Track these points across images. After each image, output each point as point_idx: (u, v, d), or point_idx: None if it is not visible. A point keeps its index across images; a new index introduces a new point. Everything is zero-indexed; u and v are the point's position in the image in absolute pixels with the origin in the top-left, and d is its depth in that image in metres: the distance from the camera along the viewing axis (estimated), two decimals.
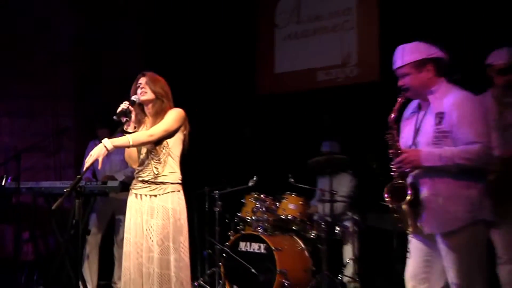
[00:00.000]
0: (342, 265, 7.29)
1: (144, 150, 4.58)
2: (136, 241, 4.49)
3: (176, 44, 9.44)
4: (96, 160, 4.26)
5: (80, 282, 6.54)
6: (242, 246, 6.98)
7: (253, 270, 6.71)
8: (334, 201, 6.99)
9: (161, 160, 4.54)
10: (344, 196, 7.40)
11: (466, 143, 3.83)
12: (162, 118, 4.55)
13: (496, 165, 4.87)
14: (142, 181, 4.56)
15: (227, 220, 7.53)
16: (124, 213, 4.71)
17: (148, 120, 4.64)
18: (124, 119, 4.52)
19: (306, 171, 7.57)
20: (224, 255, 7.03)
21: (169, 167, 4.57)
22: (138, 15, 9.52)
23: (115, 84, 7.96)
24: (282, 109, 8.84)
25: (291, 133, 8.49)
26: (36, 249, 8.33)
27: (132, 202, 4.59)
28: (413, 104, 4.30)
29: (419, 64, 4.07)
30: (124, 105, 4.53)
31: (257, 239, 6.87)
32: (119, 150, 4.64)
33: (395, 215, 4.09)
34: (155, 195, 4.50)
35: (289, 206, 7.23)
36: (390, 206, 4.08)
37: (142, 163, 4.59)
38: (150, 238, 4.44)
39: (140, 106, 4.65)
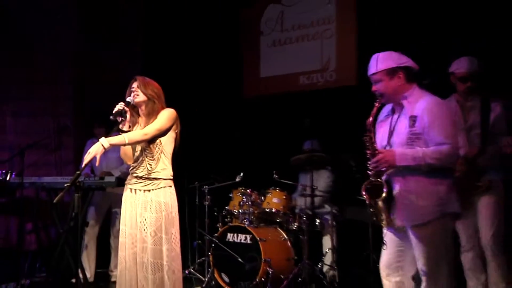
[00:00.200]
0: (321, 255, 7.31)
1: (138, 147, 4.58)
2: (131, 232, 4.49)
3: (170, 51, 9.42)
4: (94, 157, 4.26)
5: (79, 270, 6.52)
6: (230, 237, 6.98)
7: (239, 259, 6.72)
8: (314, 196, 7.00)
9: (155, 157, 4.54)
10: (323, 191, 7.42)
11: (436, 144, 3.89)
12: (155, 117, 4.55)
13: (462, 164, 4.95)
14: (137, 177, 4.55)
15: (215, 213, 7.53)
16: (120, 206, 4.71)
17: (142, 120, 4.64)
18: (120, 119, 4.52)
19: (289, 167, 7.60)
20: (213, 245, 7.02)
21: (162, 163, 4.57)
22: (135, 23, 9.49)
23: (112, 87, 7.95)
24: (267, 110, 8.85)
25: (275, 133, 8.50)
26: (38, 239, 8.31)
27: (127, 196, 4.59)
28: (387, 107, 4.33)
29: (391, 72, 4.10)
30: (120, 105, 4.52)
31: (243, 230, 6.88)
32: (115, 148, 4.64)
33: (370, 210, 4.12)
34: (149, 190, 4.50)
35: (273, 200, 7.25)
36: (367, 202, 4.09)
37: (136, 160, 4.59)
38: (144, 229, 4.44)
39: (134, 107, 4.64)
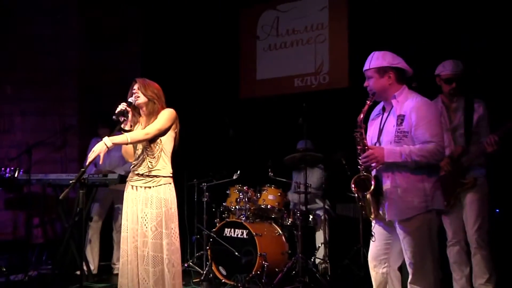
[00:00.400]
0: (314, 249, 7.33)
1: (140, 146, 4.56)
2: (132, 227, 4.47)
3: (170, 54, 9.41)
4: (98, 156, 4.24)
5: (83, 263, 6.50)
6: (227, 232, 6.98)
7: (236, 253, 6.71)
8: (308, 193, 6.99)
9: (155, 155, 4.52)
10: (315, 188, 7.43)
11: (422, 142, 3.90)
12: (155, 117, 4.53)
13: (448, 163, 4.97)
14: (138, 174, 4.53)
15: (213, 209, 7.52)
16: (122, 203, 4.69)
17: (143, 119, 4.62)
18: (122, 119, 4.50)
19: (283, 166, 7.60)
20: (211, 240, 7.01)
21: (162, 162, 4.55)
22: (135, 24, 9.48)
23: (114, 88, 7.97)
24: (262, 111, 8.84)
25: (270, 133, 8.49)
26: (45, 233, 8.34)
27: (129, 193, 4.57)
28: (379, 107, 4.35)
29: (381, 70, 4.12)
30: (122, 106, 4.51)
31: (240, 226, 6.87)
32: (118, 147, 4.62)
33: (360, 203, 4.12)
34: (149, 187, 4.48)
35: (269, 197, 7.24)
36: (356, 195, 4.10)
37: (137, 158, 4.57)
38: (145, 224, 4.42)
39: (136, 108, 4.63)
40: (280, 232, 7.05)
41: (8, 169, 6.77)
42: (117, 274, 4.67)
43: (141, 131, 4.48)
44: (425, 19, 7.23)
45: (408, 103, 4.02)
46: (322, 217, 7.29)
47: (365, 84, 4.21)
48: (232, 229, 6.94)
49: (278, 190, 7.31)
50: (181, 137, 4.74)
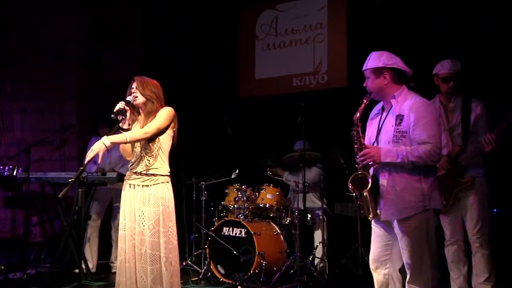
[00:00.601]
0: (312, 248, 7.33)
1: (138, 145, 4.55)
2: (130, 225, 4.46)
3: (169, 53, 9.40)
4: (97, 154, 4.24)
5: (82, 261, 6.50)
6: (225, 230, 6.97)
7: (235, 252, 6.71)
8: (306, 192, 6.99)
9: (153, 154, 4.51)
10: (312, 185, 7.44)
11: (419, 143, 3.90)
12: (154, 116, 4.51)
13: (446, 163, 4.98)
14: (136, 173, 4.52)
15: (212, 208, 7.53)
16: (120, 201, 4.69)
17: (141, 117, 4.61)
18: (120, 117, 4.49)
19: (279, 165, 7.61)
20: (209, 238, 7.01)
21: (160, 160, 4.54)
22: (134, 25, 9.47)
23: (113, 87, 7.99)
24: (261, 110, 8.84)
25: (269, 132, 8.49)
26: (43, 232, 8.32)
27: (127, 192, 4.56)
28: (378, 106, 4.35)
29: (377, 71, 4.13)
30: (120, 104, 4.50)
31: (238, 224, 6.87)
32: (118, 146, 4.63)
33: (357, 202, 4.12)
34: (147, 185, 4.47)
35: (267, 196, 7.25)
36: (353, 194, 4.10)
37: (135, 157, 4.56)
38: (142, 223, 4.41)
39: (134, 106, 4.62)
40: (279, 231, 7.05)
41: (7, 168, 6.78)
42: (115, 273, 4.66)
43: (140, 130, 4.47)
44: (424, 19, 7.25)
45: (407, 103, 4.02)
46: (321, 216, 7.29)
47: (364, 84, 4.22)
48: (231, 228, 6.94)
49: (276, 189, 7.31)
50: (180, 136, 4.73)
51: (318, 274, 6.64)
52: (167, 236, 4.45)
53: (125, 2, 9.38)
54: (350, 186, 4.09)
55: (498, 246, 5.36)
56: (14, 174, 6.77)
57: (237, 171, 7.15)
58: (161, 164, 4.55)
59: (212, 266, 6.89)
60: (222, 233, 6.98)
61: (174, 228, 4.56)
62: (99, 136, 6.82)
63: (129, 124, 4.58)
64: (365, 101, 4.13)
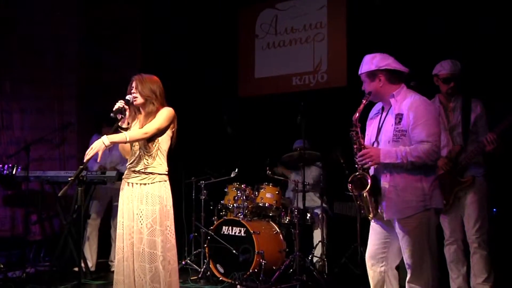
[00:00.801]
0: (312, 247, 7.32)
1: (136, 144, 4.53)
2: (128, 224, 4.45)
3: (169, 52, 9.39)
4: (96, 153, 4.23)
5: (81, 260, 6.49)
6: (225, 230, 6.96)
7: (234, 251, 6.70)
8: (306, 191, 6.99)
9: (152, 153, 4.49)
10: (312, 185, 7.43)
11: (418, 142, 3.89)
12: (154, 116, 4.49)
13: (446, 163, 4.98)
14: (134, 171, 4.51)
15: (211, 207, 7.51)
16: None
17: (141, 116, 4.59)
18: (120, 116, 4.47)
19: (280, 164, 7.60)
20: (208, 237, 7.00)
21: (158, 160, 4.52)
22: (134, 25, 9.47)
23: (112, 86, 7.99)
24: (261, 109, 8.83)
25: (268, 131, 8.48)
26: (43, 230, 8.32)
27: (125, 190, 4.55)
28: (377, 106, 4.34)
29: (371, 74, 4.14)
30: (120, 103, 4.47)
31: (237, 223, 6.86)
32: (118, 145, 4.63)
33: (358, 203, 4.11)
34: (145, 184, 4.46)
35: (266, 195, 7.24)
36: (353, 194, 4.09)
37: (134, 156, 4.54)
38: (140, 221, 4.40)
39: (134, 105, 4.60)
40: (278, 230, 7.04)
41: (6, 166, 6.77)
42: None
43: (139, 131, 4.45)
44: (425, 19, 7.22)
45: (406, 102, 4.01)
46: (320, 216, 7.28)
47: (362, 88, 4.23)
48: (230, 227, 6.93)
49: (276, 188, 7.30)
50: (179, 135, 4.71)
51: (317, 273, 6.62)
52: (165, 235, 4.44)
53: (125, 2, 9.37)
54: (350, 187, 4.08)
55: (498, 246, 5.36)
56: (14, 172, 6.76)
57: (236, 170, 7.14)
58: (159, 163, 4.53)
59: (211, 265, 6.88)
60: (222, 232, 6.96)
61: (172, 227, 4.54)
62: (101, 134, 6.81)
63: (128, 123, 4.56)
64: (364, 101, 4.12)
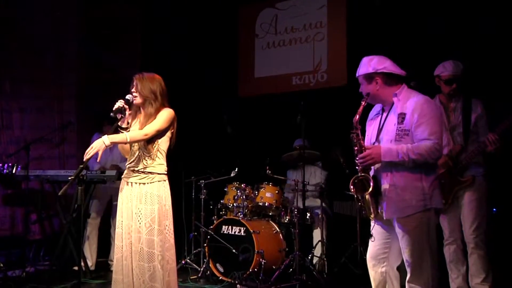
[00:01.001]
0: (311, 247, 7.31)
1: (136, 144, 4.53)
2: (127, 223, 4.45)
3: (169, 52, 9.38)
4: (96, 153, 4.22)
5: (81, 259, 6.48)
6: (224, 229, 6.95)
7: (234, 251, 6.69)
8: (306, 191, 6.98)
9: (151, 154, 4.49)
10: (316, 186, 7.42)
11: (420, 140, 3.89)
12: (154, 117, 4.48)
13: (446, 162, 4.98)
14: (133, 171, 4.51)
15: (211, 206, 7.50)
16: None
17: (141, 116, 4.58)
18: (119, 116, 4.47)
19: (279, 164, 7.59)
20: (208, 237, 6.98)
21: (158, 160, 4.51)
22: (134, 25, 9.47)
23: (112, 86, 7.98)
24: (260, 109, 8.83)
25: (268, 130, 8.47)
26: (42, 229, 8.32)
27: (124, 189, 4.54)
28: (377, 107, 4.33)
29: (368, 77, 4.14)
30: (120, 103, 4.47)
31: (237, 223, 6.85)
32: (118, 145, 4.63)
33: (359, 204, 4.10)
34: (144, 183, 4.45)
35: (266, 195, 7.23)
36: (355, 196, 4.08)
37: (133, 155, 4.54)
38: (139, 221, 4.39)
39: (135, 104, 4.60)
40: (278, 229, 7.02)
41: (6, 165, 6.76)
42: None
43: (140, 132, 4.45)
44: (425, 19, 7.21)
45: (410, 102, 4.00)
46: (320, 215, 7.27)
47: (360, 89, 4.23)
48: (230, 227, 6.92)
49: (275, 187, 7.29)
50: (179, 134, 4.71)
51: (317, 273, 6.62)
52: (164, 234, 4.43)
53: (125, 2, 9.37)
54: (352, 189, 4.07)
55: (497, 246, 5.35)
56: (14, 171, 6.75)
57: (236, 170, 7.14)
58: (159, 163, 4.53)
59: (211, 265, 6.87)
60: (221, 232, 6.95)
61: (171, 226, 4.54)
62: (102, 133, 6.80)
63: (128, 123, 4.56)
64: (363, 103, 4.13)
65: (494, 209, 6.21)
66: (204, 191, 7.33)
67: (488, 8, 6.67)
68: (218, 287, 6.47)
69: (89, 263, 7.22)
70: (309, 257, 7.02)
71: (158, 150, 4.52)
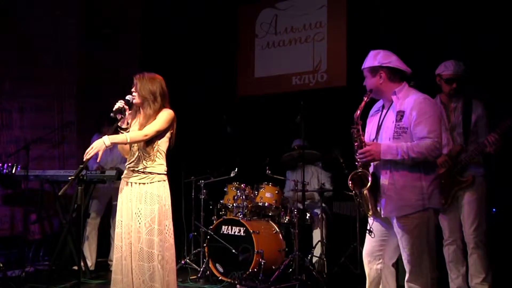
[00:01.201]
0: (311, 247, 7.30)
1: (136, 144, 4.53)
2: (126, 223, 4.45)
3: (169, 51, 9.38)
4: (96, 153, 4.23)
5: (80, 259, 6.48)
6: (224, 229, 6.95)
7: (233, 251, 6.69)
8: (305, 191, 6.98)
9: (151, 154, 4.50)
10: (317, 191, 7.42)
11: (419, 138, 3.89)
12: (154, 118, 4.48)
13: (446, 162, 4.98)
14: (133, 171, 4.51)
15: (211, 207, 7.51)
16: None
17: (141, 116, 4.58)
18: (119, 116, 4.47)
19: (278, 164, 7.59)
20: (208, 237, 6.99)
21: (157, 160, 4.52)
22: (134, 25, 9.47)
23: (112, 86, 7.98)
24: (260, 109, 8.83)
25: (268, 130, 8.48)
26: (42, 229, 8.31)
27: (124, 189, 4.55)
28: (378, 104, 4.34)
29: (373, 70, 4.15)
30: (120, 103, 4.47)
31: (237, 223, 6.85)
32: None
33: (357, 200, 4.11)
34: (144, 183, 4.46)
35: (266, 195, 7.23)
36: (353, 191, 4.09)
37: (133, 155, 4.54)
38: (138, 221, 4.40)
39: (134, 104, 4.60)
40: (277, 229, 7.02)
41: (6, 165, 6.75)
42: None
43: (140, 133, 4.45)
44: (424, 19, 7.22)
45: (409, 100, 4.01)
46: (319, 215, 7.27)
47: (364, 83, 4.23)
48: (230, 227, 6.92)
49: (275, 188, 7.29)
50: (179, 134, 4.71)
51: (317, 273, 6.61)
52: (163, 234, 4.44)
53: (125, 2, 9.37)
54: (350, 184, 4.08)
55: (497, 245, 5.36)
56: (13, 171, 6.74)
57: (236, 170, 7.14)
58: (159, 163, 4.53)
59: (210, 265, 6.87)
60: (221, 232, 6.95)
61: (171, 226, 4.54)
62: (101, 134, 6.80)
63: (127, 123, 4.56)
64: (365, 98, 4.13)
65: (494, 209, 6.22)
66: (204, 191, 7.34)
67: (488, 8, 6.67)
68: (218, 287, 6.48)
69: (89, 263, 7.21)
70: (309, 257, 7.02)
71: (157, 150, 4.53)
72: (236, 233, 6.82)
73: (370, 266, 4.19)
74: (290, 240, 7.03)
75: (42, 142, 7.96)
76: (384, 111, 4.19)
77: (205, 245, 6.99)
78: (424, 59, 6.00)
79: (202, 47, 9.33)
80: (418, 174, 3.92)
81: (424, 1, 7.29)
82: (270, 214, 7.33)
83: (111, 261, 7.13)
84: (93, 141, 4.37)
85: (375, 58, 4.13)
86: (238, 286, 6.31)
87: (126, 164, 4.61)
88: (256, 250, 6.50)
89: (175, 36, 9.40)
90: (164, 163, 4.60)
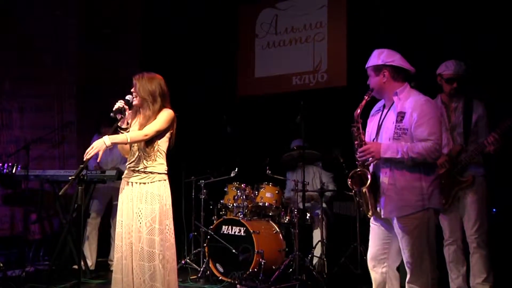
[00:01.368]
0: (311, 247, 7.30)
1: (136, 144, 4.53)
2: (127, 223, 4.45)
3: (168, 51, 9.38)
4: (97, 153, 4.23)
5: (81, 259, 6.48)
6: (224, 229, 6.95)
7: (234, 251, 6.69)
8: (306, 191, 6.98)
9: (151, 154, 4.49)
10: (317, 191, 7.41)
11: (419, 140, 3.89)
12: (154, 118, 4.48)
13: (446, 162, 4.98)
14: (134, 171, 4.51)
15: (211, 207, 7.50)
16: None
17: (141, 116, 4.58)
18: (119, 116, 4.47)
19: (278, 164, 7.59)
20: (208, 237, 6.99)
21: (158, 159, 4.52)
22: (134, 25, 9.48)
23: (112, 86, 7.98)
24: (260, 109, 8.83)
25: (268, 130, 8.47)
26: (42, 229, 8.31)
27: (124, 189, 4.55)
28: (379, 104, 4.34)
29: (376, 69, 4.15)
30: (120, 103, 4.47)
31: (237, 223, 6.85)
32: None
33: (357, 199, 4.12)
34: (144, 183, 4.46)
35: (266, 195, 7.23)
36: (353, 190, 4.10)
37: (133, 155, 4.54)
38: (139, 220, 4.40)
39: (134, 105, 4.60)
40: (278, 229, 7.02)
41: (6, 165, 6.75)
42: None
43: (140, 132, 4.45)
44: (423, 18, 7.22)
45: (410, 101, 4.01)
46: (320, 215, 7.27)
47: (367, 82, 4.24)
48: (230, 227, 6.92)
49: (275, 188, 7.29)
50: (179, 134, 4.71)
51: (317, 273, 6.61)
52: (164, 234, 4.44)
53: (125, 2, 9.37)
54: (349, 182, 4.08)
55: (497, 245, 5.36)
56: (13, 171, 6.74)
57: (236, 170, 7.14)
58: (159, 163, 4.53)
59: (211, 265, 6.86)
60: (221, 232, 6.95)
61: (171, 226, 4.54)
62: (101, 134, 6.80)
63: (127, 123, 4.56)
64: (366, 97, 4.14)
65: (494, 209, 6.22)
66: (204, 191, 7.34)
67: (488, 8, 6.67)
68: (218, 287, 6.48)
69: (89, 263, 7.22)
70: (309, 257, 7.01)
71: (158, 150, 4.53)
72: (236, 233, 6.82)
73: (376, 271, 4.19)
74: (290, 240, 7.03)
75: (42, 142, 7.96)
76: (385, 111, 4.19)
77: (205, 245, 6.99)
78: (424, 59, 5.99)
79: (202, 47, 9.33)
80: (418, 175, 3.92)
81: (424, 1, 7.29)
82: (270, 214, 7.33)
83: (111, 261, 7.19)
84: (93, 141, 4.37)
85: (379, 57, 4.14)
86: (238, 286, 6.31)
87: (126, 164, 4.61)
88: (256, 250, 6.50)
89: (175, 36, 9.40)
90: (165, 162, 4.60)
